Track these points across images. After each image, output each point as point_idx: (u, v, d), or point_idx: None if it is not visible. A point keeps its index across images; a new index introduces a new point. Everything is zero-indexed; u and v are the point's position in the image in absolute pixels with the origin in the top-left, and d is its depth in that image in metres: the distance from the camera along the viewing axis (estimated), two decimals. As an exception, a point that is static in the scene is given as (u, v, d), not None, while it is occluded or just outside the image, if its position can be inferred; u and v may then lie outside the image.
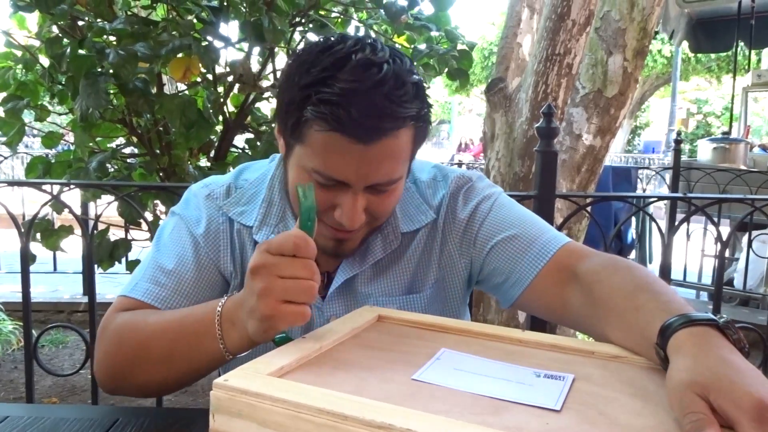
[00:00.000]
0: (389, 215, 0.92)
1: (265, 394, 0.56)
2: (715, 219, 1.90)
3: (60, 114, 2.39)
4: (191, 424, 0.85)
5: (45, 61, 2.28)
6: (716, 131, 19.23)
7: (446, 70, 2.34)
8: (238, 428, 0.57)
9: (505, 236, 0.94)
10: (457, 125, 27.23)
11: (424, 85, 0.85)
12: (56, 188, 1.87)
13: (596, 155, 2.41)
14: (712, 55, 14.86)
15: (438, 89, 23.43)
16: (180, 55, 1.93)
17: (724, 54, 14.12)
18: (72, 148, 2.41)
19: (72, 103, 1.93)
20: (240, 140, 2.55)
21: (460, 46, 2.24)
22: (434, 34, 2.49)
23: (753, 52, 6.75)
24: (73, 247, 2.31)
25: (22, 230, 1.67)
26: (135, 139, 2.32)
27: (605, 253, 0.93)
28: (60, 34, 2.12)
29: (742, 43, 5.71)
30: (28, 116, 2.38)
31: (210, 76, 2.24)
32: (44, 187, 1.74)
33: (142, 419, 0.87)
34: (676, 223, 1.97)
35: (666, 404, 0.59)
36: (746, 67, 9.40)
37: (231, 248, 0.96)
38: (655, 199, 2.01)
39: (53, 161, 2.25)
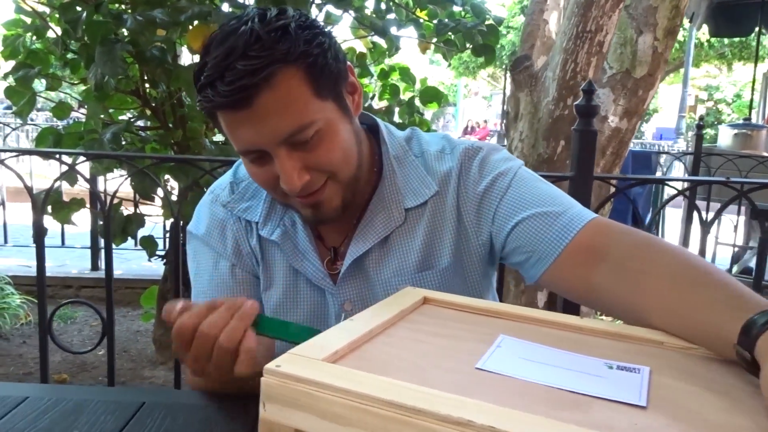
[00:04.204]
0: (347, 165, 0.87)
1: (325, 382, 0.50)
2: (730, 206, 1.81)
3: (73, 83, 2.32)
4: (223, 409, 0.80)
5: (56, 29, 2.21)
6: (727, 118, 19.03)
7: (469, 45, 2.27)
8: (294, 419, 0.52)
9: (527, 215, 0.88)
10: (463, 108, 27.07)
11: (297, 22, 0.80)
12: (70, 160, 1.81)
13: (622, 138, 2.34)
14: (725, 41, 14.64)
15: (444, 71, 23.22)
16: (196, 23, 1.86)
17: (737, 40, 13.92)
18: (79, 120, 2.35)
19: (85, 72, 1.86)
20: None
21: (487, 22, 2.15)
22: (457, 9, 2.41)
23: (772, 37, 6.61)
24: (80, 221, 2.27)
25: (38, 203, 1.61)
26: (148, 112, 2.26)
27: (634, 228, 0.86)
28: (72, 0, 2.04)
29: (758, 29, 5.59)
30: (38, 86, 2.32)
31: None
32: (60, 158, 1.68)
33: (171, 402, 0.82)
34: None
35: (754, 403, 0.54)
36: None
37: (250, 246, 0.96)
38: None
39: (63, 132, 2.19)
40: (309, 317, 0.94)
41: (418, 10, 2.41)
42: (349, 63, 0.89)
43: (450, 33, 2.18)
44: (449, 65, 2.44)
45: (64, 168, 1.70)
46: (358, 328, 0.65)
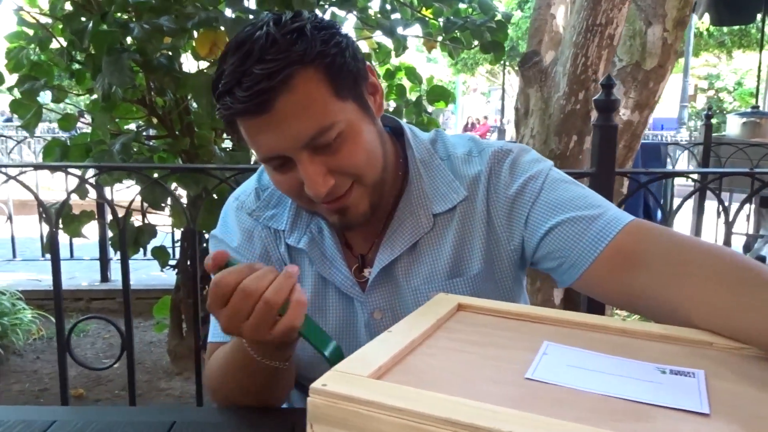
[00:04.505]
0: (372, 167, 0.84)
1: (376, 401, 0.48)
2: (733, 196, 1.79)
3: (78, 95, 2.30)
4: (258, 425, 0.78)
5: (60, 39, 2.20)
6: (729, 107, 18.94)
7: (476, 42, 2.25)
8: (343, 440, 0.49)
9: (560, 219, 0.85)
10: (462, 105, 27.04)
11: (312, 23, 0.78)
12: (80, 173, 1.79)
13: (634, 131, 2.32)
14: (725, 29, 14.57)
15: (442, 69, 23.17)
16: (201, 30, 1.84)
17: (737, 28, 13.84)
18: (83, 131, 2.33)
19: (91, 83, 1.84)
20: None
21: (495, 18, 2.13)
22: (462, 6, 2.39)
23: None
24: (89, 232, 2.25)
25: (52, 217, 1.58)
26: (155, 121, 2.24)
27: (674, 230, 0.84)
28: (75, 10, 2.02)
29: (761, 15, 5.55)
30: (42, 97, 2.30)
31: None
32: (69, 170, 1.66)
33: (202, 421, 0.80)
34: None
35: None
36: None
37: (279, 253, 0.95)
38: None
39: (70, 144, 2.17)
40: (338, 326, 0.92)
41: (424, 8, 2.39)
42: (368, 63, 0.87)
43: (457, 31, 2.15)
44: (455, 63, 2.41)
45: (71, 179, 1.68)
46: (397, 340, 0.63)
